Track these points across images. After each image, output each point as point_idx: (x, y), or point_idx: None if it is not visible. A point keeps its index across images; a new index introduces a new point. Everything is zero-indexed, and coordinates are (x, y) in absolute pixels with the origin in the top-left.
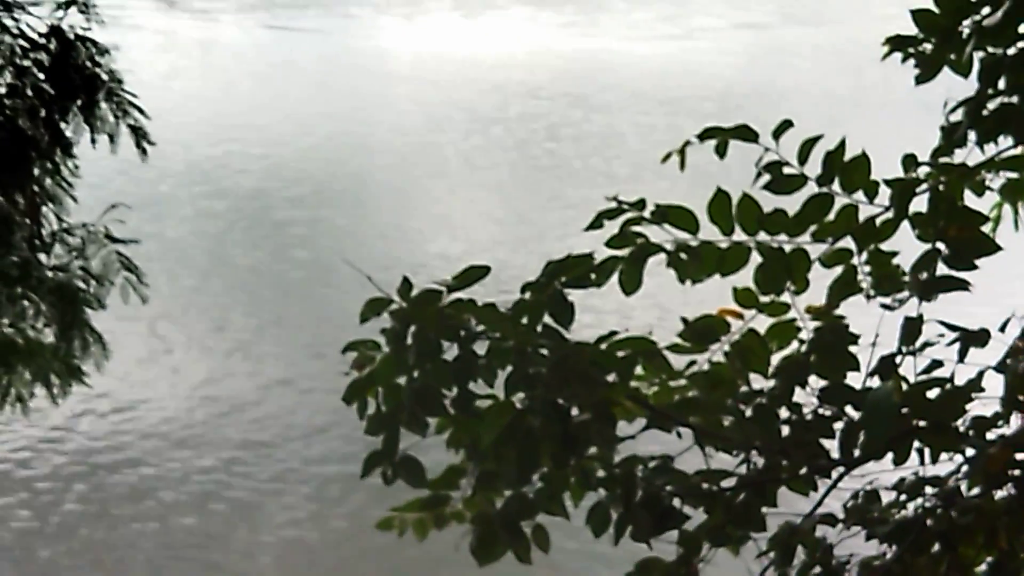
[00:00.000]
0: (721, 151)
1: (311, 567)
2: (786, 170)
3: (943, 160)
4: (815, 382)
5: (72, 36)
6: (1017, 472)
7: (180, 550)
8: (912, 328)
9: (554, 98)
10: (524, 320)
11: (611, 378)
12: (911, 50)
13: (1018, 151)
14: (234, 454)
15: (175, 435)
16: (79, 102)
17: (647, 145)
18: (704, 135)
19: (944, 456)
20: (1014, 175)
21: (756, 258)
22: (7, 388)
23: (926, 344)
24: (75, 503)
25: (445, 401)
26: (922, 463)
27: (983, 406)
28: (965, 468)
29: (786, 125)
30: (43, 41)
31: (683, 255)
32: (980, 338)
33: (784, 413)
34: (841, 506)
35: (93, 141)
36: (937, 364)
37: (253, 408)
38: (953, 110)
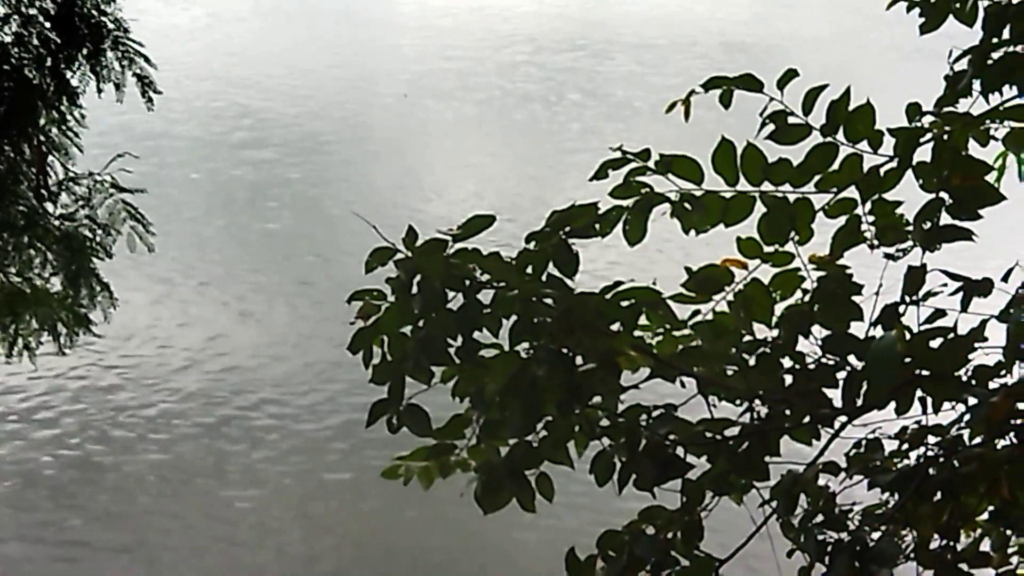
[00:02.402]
0: (726, 101)
1: None
2: (790, 120)
3: (947, 109)
4: (819, 331)
5: None
6: (1019, 421)
7: None
8: (915, 277)
9: (561, 49)
10: (529, 270)
11: (616, 328)
12: None
13: (1023, 100)
14: None
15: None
16: (85, 51)
17: (660, 94)
18: (708, 84)
19: (946, 405)
20: (1018, 124)
21: (760, 208)
22: (15, 336)
23: (929, 293)
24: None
25: (450, 350)
26: (924, 412)
27: (986, 355)
28: (967, 417)
29: (791, 75)
30: None
31: (687, 205)
32: (983, 287)
33: (787, 362)
34: (844, 455)
35: (99, 90)
36: (940, 313)
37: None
38: (958, 59)
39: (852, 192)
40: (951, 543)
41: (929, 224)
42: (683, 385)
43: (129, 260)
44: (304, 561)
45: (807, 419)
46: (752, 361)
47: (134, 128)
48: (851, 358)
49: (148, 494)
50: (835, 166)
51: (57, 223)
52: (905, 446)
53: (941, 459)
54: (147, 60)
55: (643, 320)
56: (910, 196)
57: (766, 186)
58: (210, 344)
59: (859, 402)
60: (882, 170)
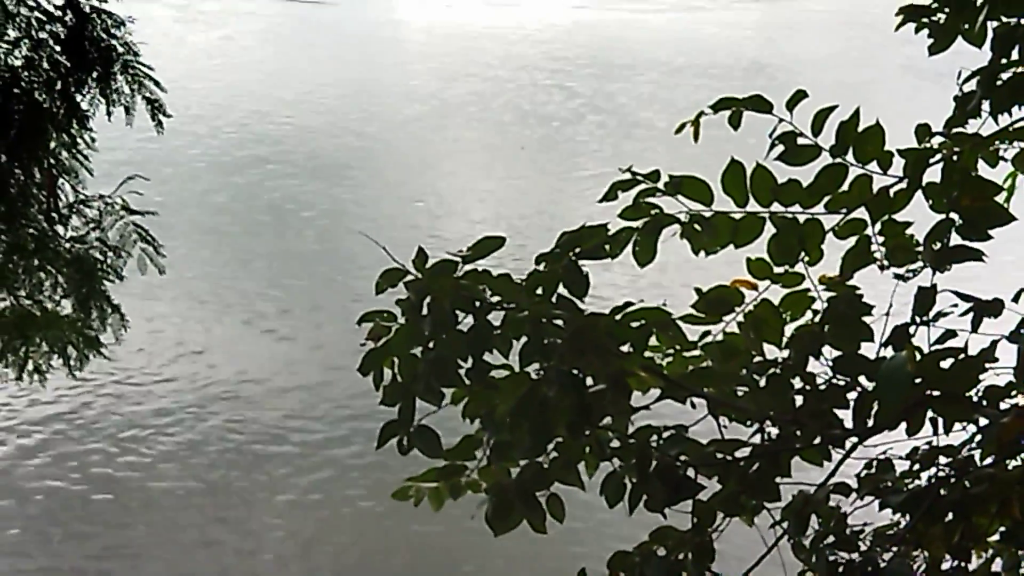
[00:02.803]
0: (735, 122)
1: None
2: (800, 141)
3: (957, 130)
4: (829, 352)
5: (88, 8)
6: None
7: None
8: (926, 298)
9: (573, 69)
10: (539, 291)
11: (626, 349)
12: (925, 20)
13: None
14: None
15: None
16: (95, 74)
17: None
18: (718, 106)
19: (957, 426)
20: None
21: (770, 229)
22: (25, 359)
23: (940, 314)
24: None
25: (460, 371)
26: (935, 433)
27: (996, 376)
28: (978, 438)
29: (800, 95)
30: (59, 13)
31: (697, 226)
32: (994, 308)
33: (798, 383)
34: (855, 476)
35: (109, 114)
36: (951, 334)
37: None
38: (967, 80)
39: (862, 213)
40: (963, 564)
41: (939, 245)
42: (693, 406)
43: (146, 282)
44: None
45: (818, 440)
46: (763, 382)
47: (156, 151)
48: (862, 379)
49: (167, 520)
50: (845, 187)
51: (68, 246)
52: (916, 467)
53: (952, 480)
54: (157, 84)
55: (653, 341)
56: (920, 217)
57: (776, 207)
58: (229, 366)
59: (870, 423)
60: (892, 191)
